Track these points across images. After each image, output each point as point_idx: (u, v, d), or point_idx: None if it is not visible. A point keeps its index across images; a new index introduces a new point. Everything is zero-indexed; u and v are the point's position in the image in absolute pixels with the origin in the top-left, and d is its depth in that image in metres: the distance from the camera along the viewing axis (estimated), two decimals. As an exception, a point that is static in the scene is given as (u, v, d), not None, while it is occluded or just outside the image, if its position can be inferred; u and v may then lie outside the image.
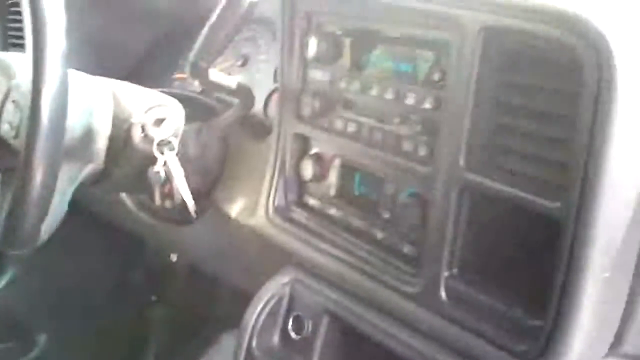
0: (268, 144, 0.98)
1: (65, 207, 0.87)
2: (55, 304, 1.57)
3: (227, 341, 1.79)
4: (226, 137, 1.06)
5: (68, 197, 0.88)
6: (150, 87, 1.02)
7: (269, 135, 0.98)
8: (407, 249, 0.80)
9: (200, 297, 1.69)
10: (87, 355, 1.62)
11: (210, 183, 1.06)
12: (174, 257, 1.58)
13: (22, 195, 0.71)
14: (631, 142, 0.60)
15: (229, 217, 1.03)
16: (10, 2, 1.32)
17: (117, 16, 1.29)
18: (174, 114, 0.95)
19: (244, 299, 0.98)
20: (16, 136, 0.79)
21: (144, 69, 1.30)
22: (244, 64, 1.19)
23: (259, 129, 1.05)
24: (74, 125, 0.87)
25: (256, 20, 1.16)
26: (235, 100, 1.06)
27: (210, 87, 0.97)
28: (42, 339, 1.56)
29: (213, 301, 1.68)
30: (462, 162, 0.71)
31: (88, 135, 0.89)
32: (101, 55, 1.25)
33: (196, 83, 0.94)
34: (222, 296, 1.66)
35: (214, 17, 0.86)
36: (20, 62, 0.89)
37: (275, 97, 1.11)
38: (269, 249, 0.97)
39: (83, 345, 1.61)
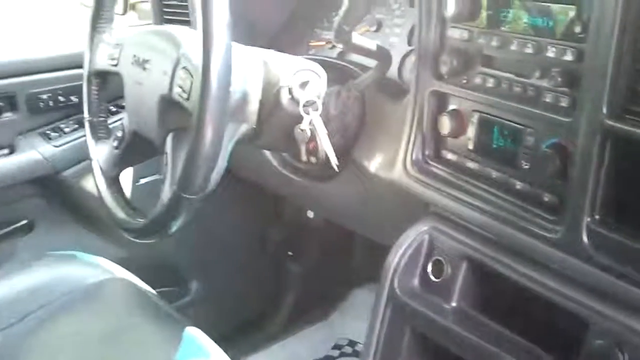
0: (404, 104, 1.01)
1: (226, 162, 0.97)
2: (204, 256, 1.70)
3: (359, 296, 1.88)
4: (363, 98, 1.11)
5: (228, 152, 0.98)
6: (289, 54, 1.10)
7: (405, 96, 1.01)
8: (547, 197, 0.83)
9: (335, 253, 1.77)
10: (230, 303, 1.75)
11: (350, 141, 1.12)
12: (310, 214, 1.65)
13: (197, 149, 0.81)
14: None
15: (369, 172, 1.09)
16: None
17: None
18: (318, 77, 1.01)
19: (379, 253, 1.03)
20: (188, 98, 0.88)
21: (283, 39, 1.38)
22: (377, 29, 1.23)
23: (395, 91, 1.09)
24: (234, 89, 0.96)
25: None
26: (369, 65, 1.11)
27: (352, 49, 1.02)
28: (193, 286, 1.71)
29: (347, 257, 1.75)
30: (604, 110, 0.72)
31: (244, 99, 0.98)
32: (244, 29, 1.34)
33: (339, 46, 0.99)
34: (356, 252, 1.73)
35: None
36: (182, 33, 0.99)
37: (409, 59, 1.15)
38: (406, 201, 1.02)
39: (227, 294, 1.74)
